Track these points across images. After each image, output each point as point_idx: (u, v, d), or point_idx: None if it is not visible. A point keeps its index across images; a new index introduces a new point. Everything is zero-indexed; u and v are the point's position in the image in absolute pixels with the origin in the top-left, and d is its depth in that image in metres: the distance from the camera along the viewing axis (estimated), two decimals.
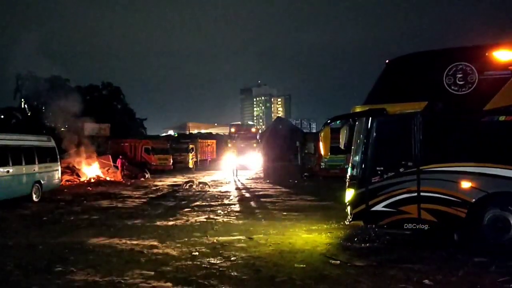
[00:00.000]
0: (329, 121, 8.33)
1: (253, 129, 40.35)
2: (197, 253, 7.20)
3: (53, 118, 36.80)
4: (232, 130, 40.74)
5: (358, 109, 8.01)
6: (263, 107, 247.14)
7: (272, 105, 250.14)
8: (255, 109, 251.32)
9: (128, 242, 8.11)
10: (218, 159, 41.46)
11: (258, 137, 35.92)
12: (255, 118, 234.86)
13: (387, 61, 8.05)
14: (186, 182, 20.29)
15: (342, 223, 9.00)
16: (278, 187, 19.19)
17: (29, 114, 40.66)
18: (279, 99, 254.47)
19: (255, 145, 34.53)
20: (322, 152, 8.48)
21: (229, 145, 36.55)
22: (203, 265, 6.49)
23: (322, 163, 22.97)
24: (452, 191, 7.08)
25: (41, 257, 7.13)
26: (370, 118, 7.71)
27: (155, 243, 7.99)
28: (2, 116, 39.39)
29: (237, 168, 28.22)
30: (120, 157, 26.78)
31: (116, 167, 25.72)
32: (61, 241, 8.25)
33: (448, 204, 7.09)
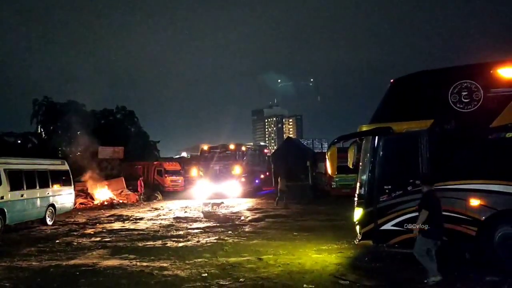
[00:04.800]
0: (335, 141, 8.39)
1: (232, 146, 28.24)
2: (206, 274, 7.22)
3: (68, 142, 37.64)
4: (205, 148, 29.03)
5: (364, 128, 8.06)
6: (274, 128, 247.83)
7: (284, 126, 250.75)
8: (266, 129, 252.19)
9: (138, 263, 8.18)
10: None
11: (238, 157, 27.63)
12: (266, 138, 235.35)
13: (392, 80, 8.12)
14: (198, 204, 20.33)
15: (352, 242, 8.94)
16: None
17: (45, 138, 41.50)
18: (290, 120, 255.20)
19: (234, 167, 26.88)
20: (329, 171, 8.52)
21: (201, 172, 27.76)
22: (212, 287, 6.52)
23: (333, 183, 22.86)
24: (461, 209, 7.02)
25: (52, 279, 7.24)
26: (377, 137, 7.75)
27: (165, 264, 8.04)
28: (19, 141, 40.22)
29: (212, 196, 23.79)
30: (141, 178, 27.09)
31: (132, 190, 26.02)
32: (72, 264, 8.35)
33: (458, 222, 7.02)
